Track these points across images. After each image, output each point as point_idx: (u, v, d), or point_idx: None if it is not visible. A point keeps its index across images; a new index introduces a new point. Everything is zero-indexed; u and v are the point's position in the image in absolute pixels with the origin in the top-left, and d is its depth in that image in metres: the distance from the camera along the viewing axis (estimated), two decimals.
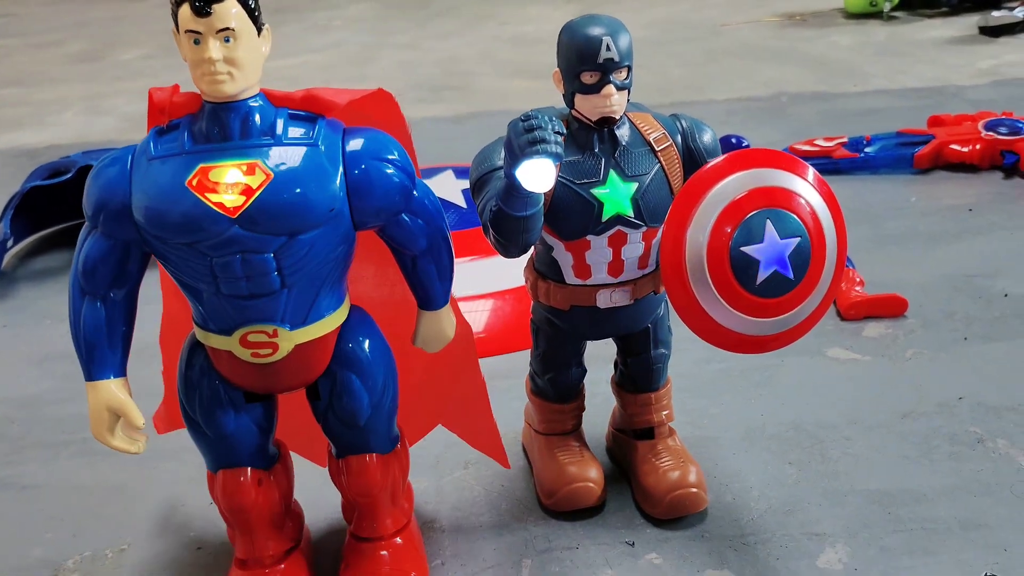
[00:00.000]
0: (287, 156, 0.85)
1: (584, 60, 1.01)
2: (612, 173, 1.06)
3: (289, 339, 0.91)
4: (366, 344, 0.98)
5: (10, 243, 2.07)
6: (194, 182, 0.84)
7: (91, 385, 0.92)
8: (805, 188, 1.04)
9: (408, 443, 1.11)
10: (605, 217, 1.06)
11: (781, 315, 1.05)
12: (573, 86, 1.04)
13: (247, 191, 0.83)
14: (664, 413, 1.24)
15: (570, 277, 1.12)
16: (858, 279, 1.73)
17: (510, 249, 1.02)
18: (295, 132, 0.87)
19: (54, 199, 2.14)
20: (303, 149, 0.86)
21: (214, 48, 0.82)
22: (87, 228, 0.91)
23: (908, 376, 1.49)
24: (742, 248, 1.02)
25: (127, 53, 4.27)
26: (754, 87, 3.16)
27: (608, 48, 1.00)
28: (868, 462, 1.29)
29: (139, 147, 0.88)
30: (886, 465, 1.28)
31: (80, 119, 3.32)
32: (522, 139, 0.93)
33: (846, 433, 1.36)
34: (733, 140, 2.16)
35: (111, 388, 0.91)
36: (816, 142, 2.36)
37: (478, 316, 1.73)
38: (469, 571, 1.14)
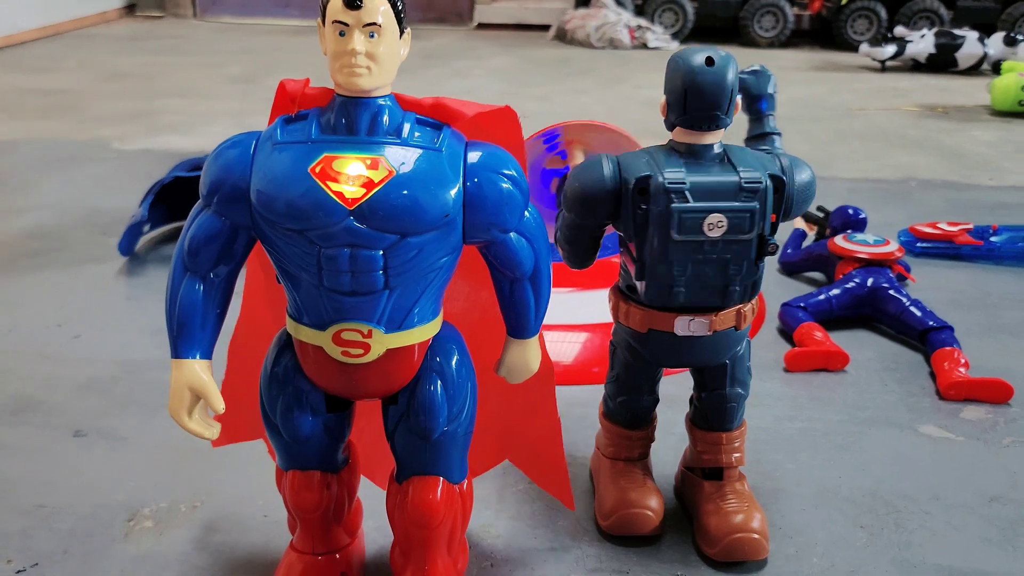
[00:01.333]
0: (410, 157, 0.86)
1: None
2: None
3: (382, 342, 0.90)
4: (454, 360, 0.97)
5: (147, 228, 2.22)
6: (317, 169, 0.84)
7: (176, 363, 0.91)
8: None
9: (471, 474, 1.08)
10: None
11: None
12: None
13: (368, 184, 0.84)
14: (735, 456, 1.22)
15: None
16: (963, 360, 1.66)
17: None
18: (420, 136, 0.88)
19: (193, 192, 2.28)
20: (427, 152, 0.87)
21: (359, 40, 0.83)
22: (199, 206, 0.92)
23: (1002, 462, 1.42)
24: None
25: (277, 78, 4.54)
26: (882, 170, 3.10)
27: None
28: (945, 539, 1.23)
29: (265, 133, 0.89)
30: (964, 544, 1.22)
31: (227, 130, 3.55)
32: None
33: (926, 507, 1.30)
34: (850, 211, 2.12)
35: (195, 368, 0.90)
36: (939, 225, 2.29)
37: (570, 347, 1.75)
38: None
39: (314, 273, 0.87)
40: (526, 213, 0.93)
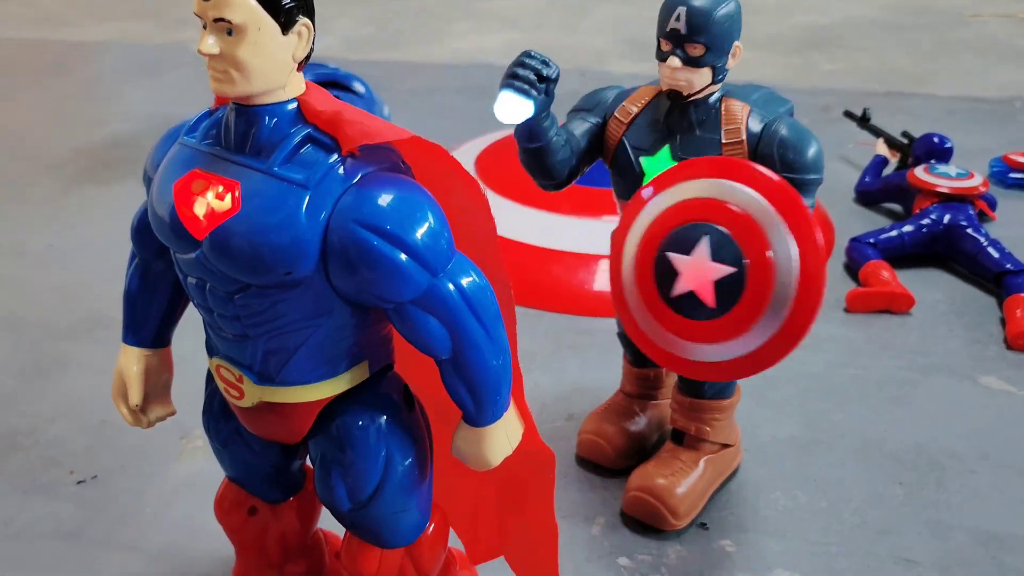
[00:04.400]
0: (265, 191, 0.67)
1: (659, 24, 1.01)
2: (666, 148, 1.05)
3: (253, 392, 0.77)
4: (359, 431, 0.78)
5: None
6: (179, 187, 0.71)
7: (122, 346, 0.87)
8: (770, 217, 0.94)
9: (474, 560, 0.98)
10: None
11: (699, 342, 0.99)
12: (656, 51, 1.04)
13: (211, 216, 0.69)
14: (700, 426, 1.16)
15: None
16: None
17: (535, 178, 1.10)
18: (300, 161, 0.68)
19: None
20: (288, 188, 0.67)
21: (208, 40, 0.66)
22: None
23: None
24: (667, 253, 0.98)
25: None
26: (986, 88, 2.90)
27: (678, 18, 0.99)
28: (987, 501, 1.20)
29: (187, 124, 0.77)
30: (1006, 508, 1.19)
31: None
32: (507, 69, 0.97)
33: (972, 466, 1.26)
34: (935, 140, 2.00)
35: (130, 356, 0.85)
36: None
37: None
38: None
39: (191, 296, 0.77)
40: (431, 281, 0.69)
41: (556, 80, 1.00)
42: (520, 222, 1.80)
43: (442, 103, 2.89)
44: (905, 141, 2.12)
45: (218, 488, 0.94)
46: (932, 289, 1.73)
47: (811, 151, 1.01)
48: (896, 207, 2.02)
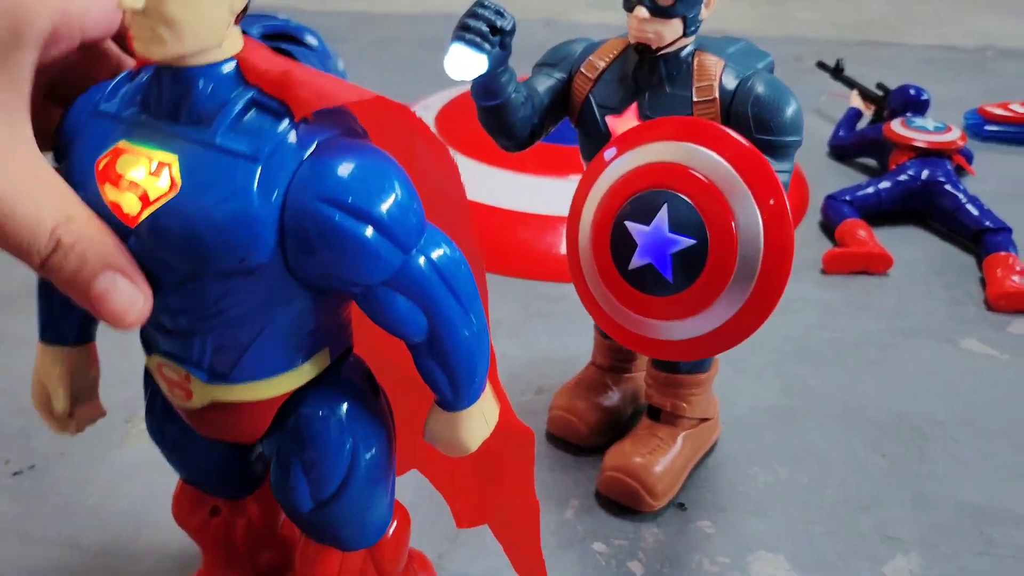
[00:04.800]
0: (208, 167, 0.58)
1: None
2: (633, 107, 0.98)
3: (203, 391, 0.68)
4: (320, 422, 0.70)
5: None
6: (101, 165, 0.60)
7: (38, 347, 0.77)
8: (736, 185, 0.87)
9: (460, 523, 0.92)
10: None
11: (656, 319, 0.92)
12: (623, 0, 0.96)
13: (144, 199, 0.58)
14: (676, 402, 1.10)
15: None
16: (1018, 267, 1.54)
17: (494, 138, 1.02)
18: (245, 130, 0.59)
19: None
20: (235, 162, 0.57)
21: None
22: None
23: None
24: (626, 222, 0.91)
25: None
26: (957, 36, 2.85)
27: None
28: (971, 470, 1.16)
29: (105, 89, 0.65)
30: (991, 478, 1.15)
31: None
32: (459, 20, 0.90)
33: (955, 434, 1.22)
34: (912, 91, 1.95)
35: (50, 357, 0.75)
36: (1012, 107, 2.10)
37: None
38: None
39: None
40: (402, 260, 0.61)
41: (512, 32, 0.92)
42: (484, 182, 1.72)
43: (402, 56, 2.78)
44: (880, 93, 2.06)
45: (174, 490, 0.86)
46: (910, 248, 1.68)
47: (789, 110, 0.93)
48: (871, 162, 1.97)
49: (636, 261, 0.91)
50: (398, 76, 2.59)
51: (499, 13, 0.90)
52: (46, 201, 0.57)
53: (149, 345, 0.69)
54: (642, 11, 0.92)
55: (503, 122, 1.00)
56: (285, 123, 0.59)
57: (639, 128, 0.94)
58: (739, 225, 0.87)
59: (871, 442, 1.21)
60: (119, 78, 0.64)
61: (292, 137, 0.58)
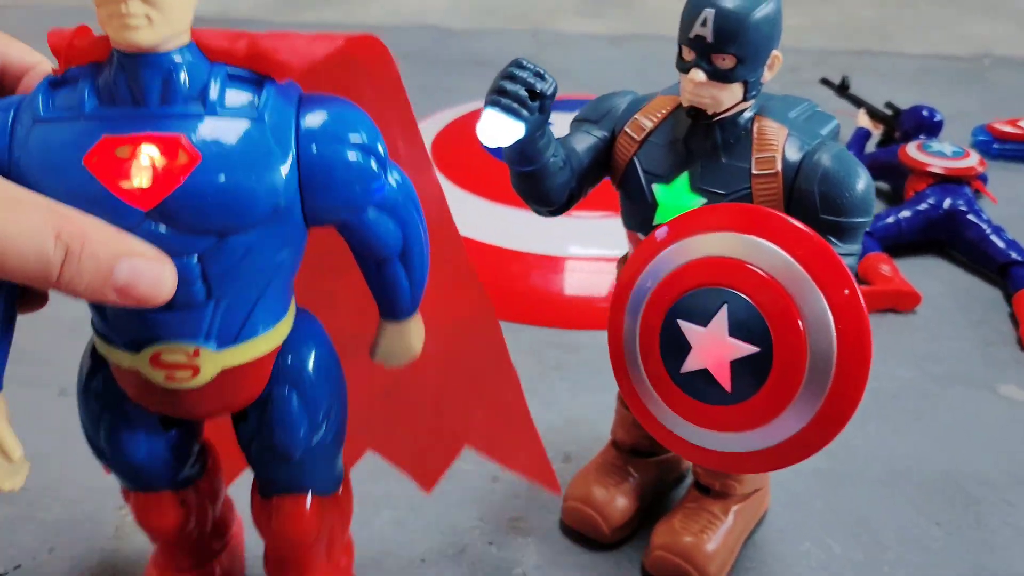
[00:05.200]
0: (222, 132, 0.64)
1: (681, 27, 0.84)
2: (684, 176, 0.88)
3: (214, 361, 0.72)
4: (311, 359, 0.78)
5: None
6: (94, 160, 0.62)
7: None
8: (799, 278, 0.77)
9: (435, 477, 0.97)
10: (656, 221, 0.89)
11: (713, 429, 0.82)
12: (677, 59, 0.86)
13: (166, 175, 0.62)
14: (728, 481, 1.03)
15: None
16: None
17: (528, 203, 0.94)
18: (234, 99, 0.65)
19: None
20: (244, 123, 0.64)
21: None
22: None
23: None
24: (679, 320, 0.81)
25: None
26: (953, 43, 2.80)
27: (704, 23, 0.81)
28: None
29: (28, 99, 0.66)
30: None
31: None
32: (494, 83, 0.82)
33: (1009, 496, 1.16)
34: (925, 112, 1.88)
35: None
36: (1021, 123, 2.05)
37: (605, 277, 1.57)
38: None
39: None
40: (386, 184, 0.71)
41: (553, 96, 0.82)
42: (488, 220, 1.63)
43: None
44: (889, 112, 1.99)
45: (128, 499, 0.86)
46: (933, 281, 1.61)
47: (860, 188, 0.83)
48: (883, 185, 1.90)
49: (690, 365, 0.81)
50: None
51: (539, 75, 0.81)
52: (35, 214, 0.57)
53: (137, 341, 0.70)
54: (698, 74, 0.83)
55: (539, 188, 0.91)
56: (264, 86, 0.66)
57: (694, 215, 0.84)
58: (808, 326, 0.77)
59: (923, 509, 1.14)
60: (41, 86, 0.65)
61: (276, 95, 0.66)
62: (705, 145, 0.88)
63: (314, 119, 0.67)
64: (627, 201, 0.94)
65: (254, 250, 0.67)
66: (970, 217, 1.64)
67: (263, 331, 0.73)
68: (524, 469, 0.99)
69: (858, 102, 2.05)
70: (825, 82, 2.14)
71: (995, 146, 2.04)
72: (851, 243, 0.84)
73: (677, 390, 0.83)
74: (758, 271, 0.78)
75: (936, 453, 1.23)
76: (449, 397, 0.96)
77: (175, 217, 0.63)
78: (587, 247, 1.58)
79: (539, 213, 0.96)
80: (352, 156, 0.68)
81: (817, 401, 0.77)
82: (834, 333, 0.76)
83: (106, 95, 0.64)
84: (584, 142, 0.94)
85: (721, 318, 0.79)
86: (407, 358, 0.83)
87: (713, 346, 0.79)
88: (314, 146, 0.66)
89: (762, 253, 0.79)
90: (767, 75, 0.85)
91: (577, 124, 0.96)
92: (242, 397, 0.77)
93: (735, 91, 0.84)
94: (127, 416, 0.78)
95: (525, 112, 0.81)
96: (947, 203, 1.66)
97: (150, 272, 0.61)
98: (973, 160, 1.73)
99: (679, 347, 0.81)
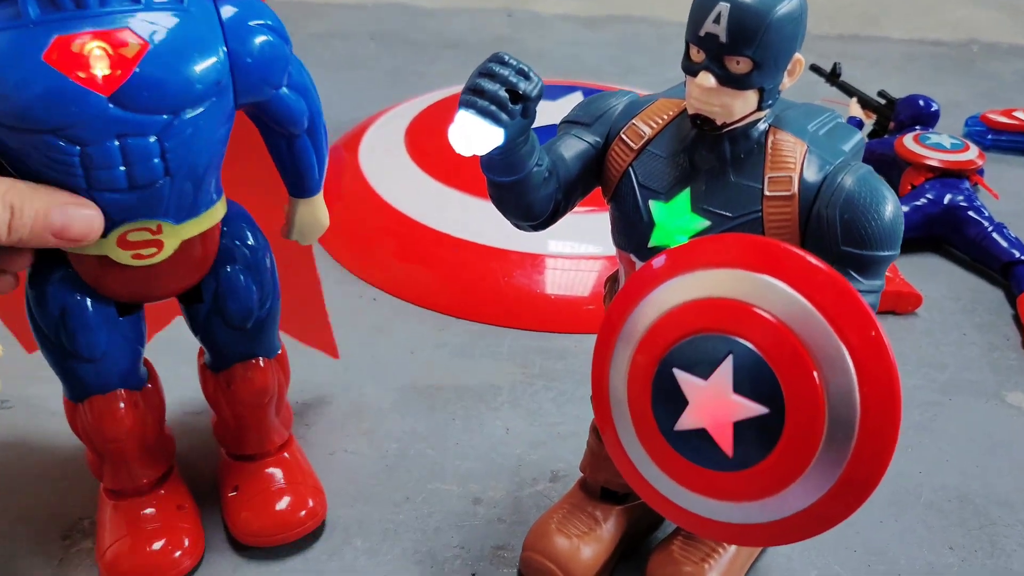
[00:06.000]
0: (160, 23, 0.73)
1: (690, 23, 0.72)
2: (685, 194, 0.77)
3: (175, 234, 0.82)
4: (250, 238, 0.91)
5: None
6: (53, 56, 0.70)
7: None
8: (814, 324, 0.65)
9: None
10: (652, 243, 0.78)
11: (709, 496, 0.71)
12: (683, 59, 0.75)
13: (121, 62, 0.71)
14: None
15: None
16: None
17: (507, 216, 0.83)
18: None
19: None
20: (175, 14, 0.75)
21: None
22: None
23: None
24: (675, 370, 0.70)
25: None
26: (939, 28, 2.73)
27: (717, 20, 0.69)
28: None
29: None
30: None
31: None
32: (470, 80, 0.70)
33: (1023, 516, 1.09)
34: (921, 103, 1.80)
35: None
36: (1016, 114, 1.98)
37: (589, 276, 1.48)
38: None
39: (79, 176, 0.74)
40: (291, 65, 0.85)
41: (538, 98, 0.71)
42: (467, 215, 1.53)
43: (352, 52, 2.55)
44: (882, 101, 1.92)
45: (83, 419, 0.90)
46: (933, 282, 1.54)
47: (887, 218, 0.72)
48: None
49: (686, 422, 0.70)
50: (351, 74, 2.36)
51: (522, 74, 0.69)
52: None
53: (106, 228, 0.77)
54: (708, 79, 0.71)
55: (521, 201, 0.79)
56: None
57: (697, 246, 0.72)
58: (825, 380, 0.65)
59: (935, 531, 1.07)
60: None
61: None
62: (711, 159, 0.76)
63: (232, 11, 0.78)
64: (619, 217, 0.82)
65: (201, 127, 0.76)
66: (971, 213, 1.57)
67: (210, 205, 0.84)
68: (315, 343, 1.21)
69: (850, 91, 1.97)
70: (815, 69, 2.05)
71: (989, 137, 1.97)
72: (874, 279, 0.74)
73: (669, 449, 0.71)
74: (769, 317, 0.66)
75: (945, 469, 1.16)
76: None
77: (134, 100, 0.72)
78: (571, 244, 1.48)
79: (519, 228, 0.84)
80: (270, 38, 0.79)
81: (837, 468, 0.66)
82: (857, 390, 0.64)
83: (47, 3, 0.71)
84: (573, 148, 0.82)
85: (725, 371, 0.67)
86: (319, 231, 0.96)
87: (714, 403, 0.68)
88: (238, 32, 0.77)
89: (775, 296, 0.66)
90: (787, 81, 0.74)
91: (566, 127, 0.85)
92: (198, 270, 0.88)
93: (749, 99, 0.73)
94: (85, 308, 0.85)
95: (505, 116, 0.69)
96: (947, 199, 1.59)
97: (79, 215, 0.74)
98: (973, 153, 1.66)
99: (674, 400, 0.70)
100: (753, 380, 0.66)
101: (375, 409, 1.23)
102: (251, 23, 0.78)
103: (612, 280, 0.91)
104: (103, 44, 0.71)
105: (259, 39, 0.79)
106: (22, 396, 1.22)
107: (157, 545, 0.94)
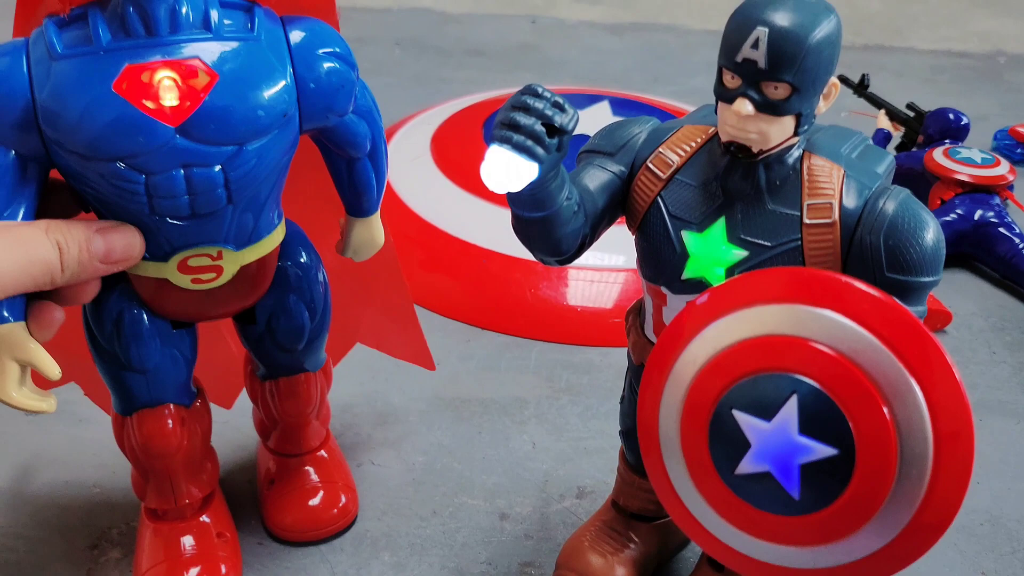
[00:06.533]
0: (229, 53, 0.73)
1: (724, 47, 0.70)
2: (720, 223, 0.75)
3: (234, 260, 0.83)
4: (303, 260, 0.92)
5: None
6: (123, 86, 0.70)
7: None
8: (878, 355, 0.63)
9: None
10: (686, 275, 0.77)
11: (772, 541, 0.69)
12: (716, 84, 0.73)
13: (190, 94, 0.71)
14: None
15: (648, 329, 0.84)
16: None
17: (532, 251, 0.80)
18: (231, 23, 0.74)
19: None
20: (246, 44, 0.74)
21: None
22: None
23: None
24: (735, 411, 0.68)
25: None
26: (965, 39, 2.71)
27: (756, 45, 0.68)
28: None
29: (32, 41, 0.72)
30: None
31: None
32: (502, 114, 0.67)
33: None
34: (951, 116, 1.79)
35: (16, 333, 0.72)
36: None
37: (614, 288, 1.47)
38: None
39: (143, 203, 0.75)
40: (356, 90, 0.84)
41: (572, 131, 0.68)
42: (492, 225, 1.52)
43: (375, 57, 2.55)
44: (911, 114, 1.90)
45: (131, 434, 0.90)
46: (962, 299, 1.53)
47: (930, 242, 0.70)
48: None
49: (748, 466, 0.67)
50: (376, 80, 2.35)
51: (558, 107, 0.67)
52: (26, 229, 0.70)
53: (165, 251, 0.79)
54: (746, 106, 0.69)
55: (549, 237, 0.76)
56: (253, 11, 0.76)
57: (741, 283, 0.70)
58: (895, 415, 0.63)
59: (967, 556, 1.05)
60: (48, 27, 0.72)
61: (261, 16, 0.76)
62: (745, 187, 0.74)
63: (300, 37, 0.77)
64: (648, 249, 0.80)
65: (264, 156, 0.76)
66: (1001, 230, 1.55)
67: (270, 231, 0.84)
68: (408, 356, 1.18)
69: (878, 102, 1.96)
70: (843, 80, 2.04)
71: (1019, 151, 1.95)
72: (917, 305, 0.72)
73: (728, 493, 0.69)
74: (831, 352, 0.64)
75: (976, 491, 1.14)
76: (340, 301, 1.05)
77: (201, 132, 0.72)
78: (597, 255, 1.48)
79: (544, 263, 0.82)
80: (338, 66, 0.78)
81: (910, 507, 0.64)
82: (929, 424, 0.63)
83: (118, 30, 0.71)
84: (598, 179, 0.80)
85: (790, 411, 0.65)
86: (373, 250, 0.96)
87: (779, 445, 0.66)
88: (306, 60, 0.77)
89: (837, 330, 0.64)
90: (822, 106, 0.72)
91: (588, 156, 0.82)
92: (255, 293, 0.89)
93: (786, 125, 0.71)
94: (140, 321, 0.86)
95: (541, 151, 0.66)
96: (977, 215, 1.58)
97: (118, 238, 0.75)
98: (1004, 168, 1.64)
99: (734, 443, 0.68)
100: (820, 420, 0.64)
101: (401, 421, 1.23)
102: (320, 51, 0.77)
103: (635, 313, 0.88)
104: (173, 74, 0.71)
105: (326, 66, 0.77)
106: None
107: (193, 572, 0.94)
